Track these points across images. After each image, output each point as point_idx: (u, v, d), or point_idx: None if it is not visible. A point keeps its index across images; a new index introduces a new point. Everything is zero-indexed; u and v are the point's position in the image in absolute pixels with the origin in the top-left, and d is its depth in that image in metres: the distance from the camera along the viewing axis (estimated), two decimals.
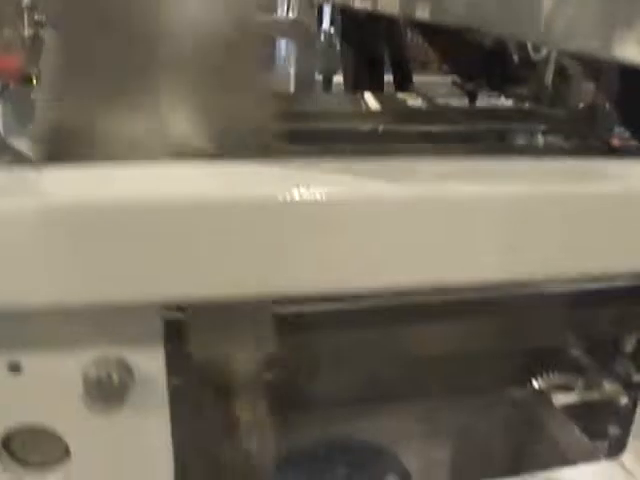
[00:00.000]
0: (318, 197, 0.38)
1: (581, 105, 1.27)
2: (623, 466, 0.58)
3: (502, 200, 0.40)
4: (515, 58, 1.20)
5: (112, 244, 0.36)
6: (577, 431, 0.80)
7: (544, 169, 0.48)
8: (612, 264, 0.44)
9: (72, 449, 0.43)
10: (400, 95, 1.37)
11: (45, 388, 0.42)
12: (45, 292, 0.37)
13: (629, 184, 0.44)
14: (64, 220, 0.35)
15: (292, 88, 1.58)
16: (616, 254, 0.43)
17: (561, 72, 1.22)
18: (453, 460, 0.81)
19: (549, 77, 1.22)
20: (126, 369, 0.41)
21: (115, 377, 0.40)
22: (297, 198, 0.37)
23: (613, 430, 0.89)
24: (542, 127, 1.24)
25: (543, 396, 0.86)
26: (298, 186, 0.38)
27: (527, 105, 1.32)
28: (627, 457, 0.58)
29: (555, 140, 1.22)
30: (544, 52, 1.18)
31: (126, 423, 0.42)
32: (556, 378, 0.89)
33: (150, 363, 0.41)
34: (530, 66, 1.21)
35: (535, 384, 0.88)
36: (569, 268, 0.43)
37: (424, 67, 1.77)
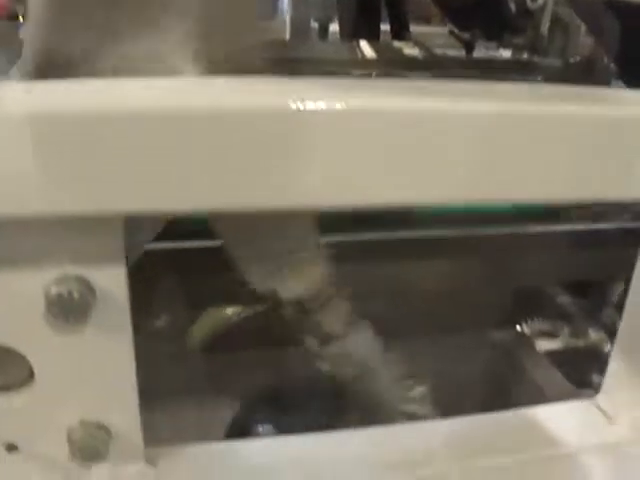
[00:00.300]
0: (320, 107, 0.37)
1: (578, 57, 1.26)
2: (598, 406, 0.58)
3: (480, 117, 0.40)
4: (512, 7, 1.18)
5: (81, 153, 0.35)
6: (559, 375, 0.80)
7: (529, 90, 0.47)
8: (584, 190, 0.43)
9: (36, 370, 0.43)
10: (396, 44, 1.35)
11: (7, 306, 0.41)
12: (9, 202, 0.36)
13: (616, 108, 0.43)
14: (27, 128, 0.35)
15: (288, 35, 1.56)
16: (588, 179, 0.43)
17: (557, 22, 1.21)
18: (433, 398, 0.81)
19: (545, 26, 1.20)
20: (88, 287, 0.40)
21: (77, 295, 0.40)
22: (295, 107, 0.37)
23: (597, 379, 0.89)
24: (539, 78, 1.23)
25: (526, 340, 0.86)
26: (298, 96, 0.37)
27: (524, 56, 1.31)
28: (601, 397, 0.58)
29: None
30: (540, 0, 1.16)
31: (89, 342, 0.42)
32: (541, 324, 0.89)
33: (112, 282, 0.41)
34: (527, 15, 1.19)
35: (520, 328, 0.88)
36: (542, 191, 0.42)
37: (423, 19, 1.75)
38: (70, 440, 0.44)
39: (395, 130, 0.38)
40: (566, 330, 0.90)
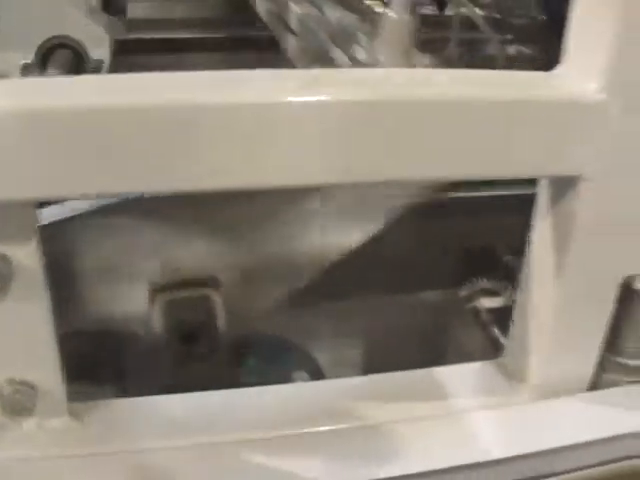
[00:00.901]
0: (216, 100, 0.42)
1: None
2: (503, 366, 0.61)
3: (338, 106, 0.43)
4: None
5: None
6: (496, 335, 0.83)
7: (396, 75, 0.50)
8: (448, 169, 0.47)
9: None
10: (367, 2, 1.36)
11: None
12: None
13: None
14: None
15: None
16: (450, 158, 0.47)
17: None
18: (363, 357, 0.85)
19: None
20: (6, 262, 0.45)
21: None
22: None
23: None
24: (510, 37, 1.25)
25: (465, 300, 0.89)
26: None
27: (496, 14, 1.32)
28: (506, 358, 0.61)
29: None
30: None
31: (11, 310, 0.46)
32: (484, 283, 0.92)
33: (27, 257, 0.45)
34: None
35: (459, 288, 0.90)
36: (402, 171, 0.46)
37: None
38: (0, 396, 0.49)
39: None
40: (509, 288, 0.92)
